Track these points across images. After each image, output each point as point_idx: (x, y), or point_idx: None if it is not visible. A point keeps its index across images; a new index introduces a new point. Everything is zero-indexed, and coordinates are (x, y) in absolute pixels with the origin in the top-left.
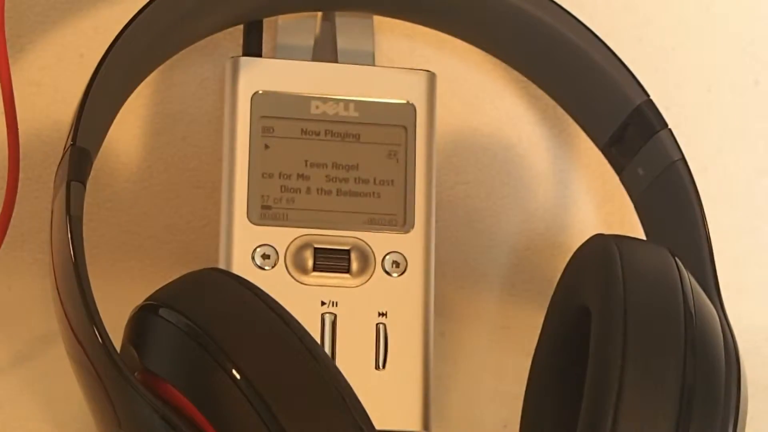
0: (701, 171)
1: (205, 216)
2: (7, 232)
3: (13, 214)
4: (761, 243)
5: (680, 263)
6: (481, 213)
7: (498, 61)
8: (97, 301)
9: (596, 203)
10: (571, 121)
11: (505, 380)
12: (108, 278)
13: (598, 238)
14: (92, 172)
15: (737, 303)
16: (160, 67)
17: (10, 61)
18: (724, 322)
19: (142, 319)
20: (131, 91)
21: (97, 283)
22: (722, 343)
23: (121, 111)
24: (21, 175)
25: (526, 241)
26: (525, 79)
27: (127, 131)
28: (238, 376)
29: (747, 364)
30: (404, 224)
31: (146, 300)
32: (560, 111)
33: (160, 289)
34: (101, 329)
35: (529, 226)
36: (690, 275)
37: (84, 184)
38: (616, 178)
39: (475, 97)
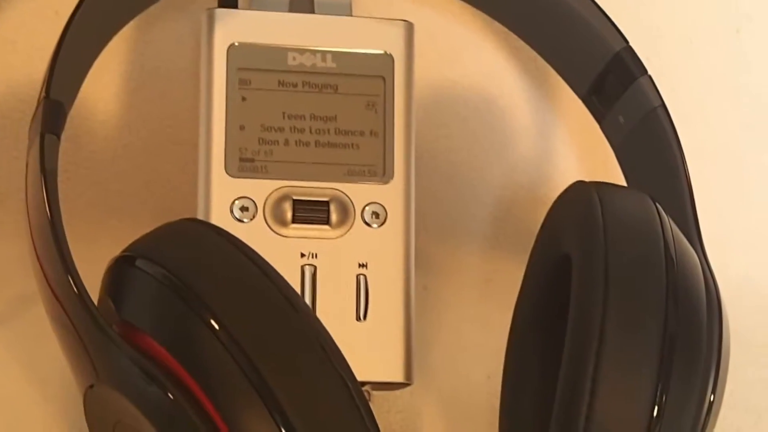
0: (683, 122)
1: (185, 173)
2: None
3: None
4: (744, 194)
5: (661, 209)
6: (462, 166)
7: (477, 12)
8: (77, 261)
9: (578, 155)
10: (552, 72)
11: (489, 333)
12: (88, 238)
13: (578, 185)
14: (70, 130)
15: (719, 254)
16: (137, 24)
17: None
18: (706, 266)
19: (119, 270)
20: (105, 44)
21: (76, 243)
22: (704, 288)
23: (97, 69)
24: None
25: (509, 194)
26: (505, 30)
27: (104, 89)
28: (216, 327)
29: (730, 315)
30: (383, 175)
31: (123, 251)
32: (541, 62)
33: (137, 240)
34: (77, 279)
35: (512, 179)
36: (671, 221)
37: (58, 136)
38: (599, 129)
39: (454, 50)
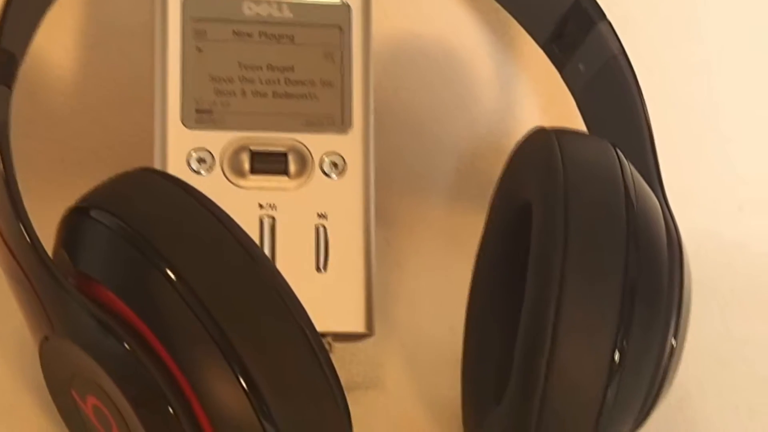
0: (645, 73)
1: (144, 129)
2: None
3: None
4: (706, 146)
5: (621, 154)
6: (424, 119)
7: None
8: (35, 220)
9: (541, 106)
10: (513, 22)
11: (452, 285)
12: (46, 196)
13: (538, 131)
14: (26, 86)
15: (683, 206)
16: None
17: None
18: (667, 211)
19: (73, 221)
20: None
21: (34, 202)
22: (665, 233)
23: (53, 24)
24: None
25: (471, 147)
26: None
27: (61, 45)
28: (173, 277)
29: (694, 267)
30: (342, 125)
31: (77, 201)
32: (502, 14)
33: (91, 190)
34: (29, 230)
35: (474, 132)
36: (631, 166)
37: (10, 87)
38: (561, 80)
39: (414, 2)
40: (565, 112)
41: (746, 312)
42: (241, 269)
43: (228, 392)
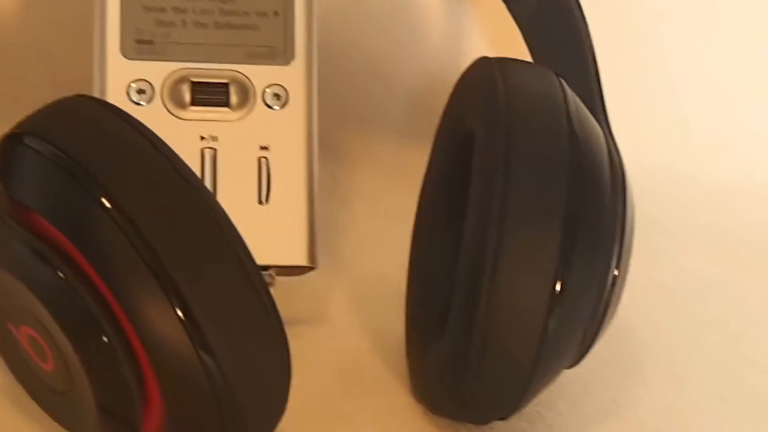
0: (592, 5)
1: (88, 62)
2: None
3: None
4: (652, 80)
5: (565, 84)
6: (374, 55)
7: None
8: None
9: (491, 41)
10: None
11: (400, 221)
12: None
13: (480, 61)
14: None
15: (636, 140)
16: None
17: None
18: (610, 141)
19: (6, 148)
20: None
21: None
22: (608, 163)
23: None
24: None
25: (421, 83)
26: None
27: None
28: (109, 205)
29: (641, 201)
30: (285, 56)
31: (11, 129)
32: None
33: (26, 117)
34: None
35: (424, 67)
36: (574, 95)
37: None
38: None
39: None
40: (515, 47)
41: (696, 246)
42: (180, 199)
43: (164, 322)
